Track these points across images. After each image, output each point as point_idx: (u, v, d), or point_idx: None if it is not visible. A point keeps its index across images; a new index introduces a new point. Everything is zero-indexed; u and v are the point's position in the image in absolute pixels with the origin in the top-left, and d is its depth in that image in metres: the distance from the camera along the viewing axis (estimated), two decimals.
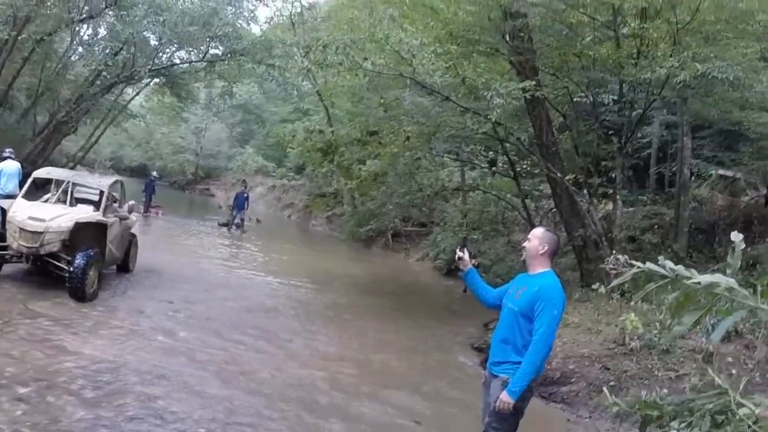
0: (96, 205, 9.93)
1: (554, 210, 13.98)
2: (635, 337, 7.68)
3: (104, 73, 22.38)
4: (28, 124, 24.36)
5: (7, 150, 12.45)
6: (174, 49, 24.67)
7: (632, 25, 10.01)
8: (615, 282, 2.54)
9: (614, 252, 5.19)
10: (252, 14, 24.69)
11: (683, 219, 12.65)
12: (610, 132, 12.54)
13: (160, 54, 24.22)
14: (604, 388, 5.71)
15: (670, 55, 9.46)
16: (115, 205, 10.66)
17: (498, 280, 10.48)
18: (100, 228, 9.44)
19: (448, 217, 20.10)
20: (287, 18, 29.93)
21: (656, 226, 13.84)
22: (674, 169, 15.63)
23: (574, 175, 11.78)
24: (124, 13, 20.46)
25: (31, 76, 23.70)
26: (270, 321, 9.74)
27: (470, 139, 15.64)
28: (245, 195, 22.53)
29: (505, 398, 3.94)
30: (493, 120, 11.41)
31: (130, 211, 10.93)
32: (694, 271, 2.26)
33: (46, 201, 9.93)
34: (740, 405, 1.96)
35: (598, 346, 8.09)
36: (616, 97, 12.00)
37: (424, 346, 9.83)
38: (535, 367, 3.98)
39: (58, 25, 20.22)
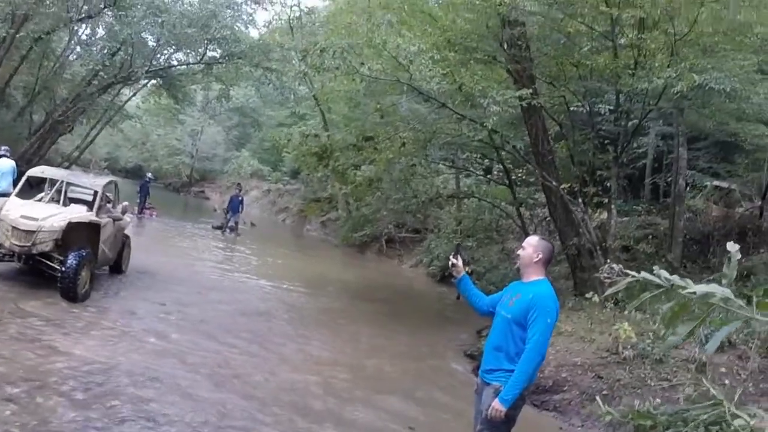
0: (89, 205, 9.87)
1: (549, 218, 13.99)
2: (628, 347, 7.67)
3: (101, 73, 22.26)
4: (24, 123, 24.25)
5: (2, 148, 12.42)
6: (172, 50, 24.59)
7: (630, 35, 10.04)
8: (610, 291, 2.54)
9: (609, 261, 5.19)
10: (251, 18, 24.59)
11: (678, 229, 12.67)
12: (605, 142, 12.56)
13: (158, 55, 24.13)
14: (597, 398, 5.70)
15: (668, 66, 9.48)
16: (109, 205, 10.60)
17: (491, 288, 10.51)
18: (93, 228, 9.39)
19: (443, 223, 20.09)
20: (286, 22, 29.94)
21: (651, 236, 13.86)
22: (669, 179, 15.68)
23: (569, 184, 11.78)
24: (123, 13, 20.38)
25: (28, 74, 23.62)
26: (263, 325, 9.70)
27: (466, 147, 15.67)
28: (240, 198, 22.52)
29: (497, 406, 3.92)
30: (489, 127, 11.43)
31: (123, 212, 10.89)
32: (689, 281, 2.26)
33: (39, 200, 9.89)
34: (735, 416, 1.95)
35: (591, 354, 8.08)
36: (612, 107, 12.01)
37: (417, 352, 9.80)
38: (528, 375, 3.96)
39: (56, 24, 20.14)
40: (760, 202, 13.55)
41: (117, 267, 10.99)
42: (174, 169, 47.95)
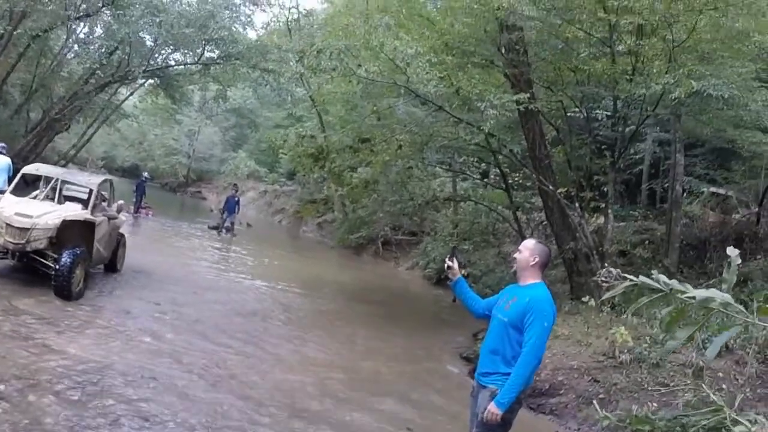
0: (85, 203, 9.84)
1: (545, 223, 14.00)
2: (625, 351, 7.67)
3: (99, 71, 22.26)
4: (21, 120, 24.23)
5: None
6: (169, 50, 24.57)
7: (628, 42, 10.04)
8: (608, 294, 2.53)
9: (607, 265, 5.17)
10: (249, 19, 24.59)
11: (675, 235, 12.68)
12: (603, 147, 12.57)
13: (156, 55, 24.11)
14: (594, 402, 5.68)
15: (666, 72, 9.49)
16: (104, 204, 10.57)
17: (487, 291, 10.50)
18: (87, 226, 9.35)
19: (439, 226, 20.10)
20: (284, 24, 29.92)
21: (647, 241, 13.86)
22: (666, 185, 15.69)
23: (566, 189, 11.78)
24: (121, 12, 20.37)
25: (25, 72, 23.59)
26: (259, 325, 9.67)
27: (463, 150, 15.67)
28: (236, 199, 22.45)
29: (494, 409, 3.91)
30: (486, 131, 11.43)
31: (119, 211, 10.84)
32: (688, 285, 2.25)
33: (34, 198, 9.84)
34: (736, 422, 1.93)
35: (587, 358, 8.08)
36: (609, 113, 12.05)
37: (412, 354, 9.79)
38: (525, 378, 3.95)
39: (54, 21, 20.11)
40: (757, 209, 13.57)
41: (112, 266, 10.95)
42: (171, 169, 47.92)
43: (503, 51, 11.41)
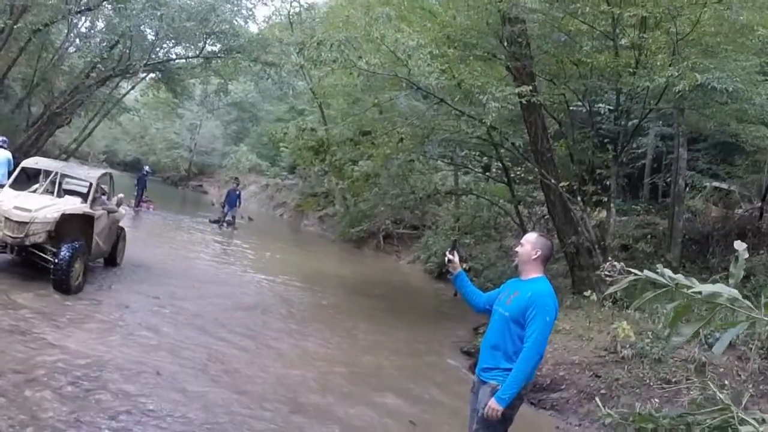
0: (84, 197, 9.79)
1: (547, 216, 13.94)
2: (627, 346, 7.62)
3: (100, 65, 22.21)
4: (22, 115, 24.17)
5: (0, 139, 12.33)
6: (171, 44, 24.53)
7: (631, 35, 9.96)
8: (612, 289, 2.47)
9: (610, 259, 5.12)
10: (250, 12, 24.53)
11: (677, 229, 12.61)
12: (605, 141, 12.52)
13: (157, 48, 24.07)
14: (596, 398, 5.64)
15: (670, 65, 9.42)
16: (104, 197, 10.52)
17: (489, 285, 10.46)
18: (87, 220, 9.31)
19: (440, 220, 20.06)
20: (285, 18, 29.84)
21: (649, 236, 13.81)
22: (668, 179, 15.64)
23: (568, 183, 11.71)
24: (122, 6, 20.30)
25: (26, 66, 23.53)
26: (259, 319, 9.63)
27: (465, 144, 15.61)
28: (237, 193, 22.46)
29: (494, 405, 3.86)
30: (488, 124, 11.36)
31: (118, 204, 10.80)
32: (694, 280, 2.19)
33: (34, 191, 9.80)
34: (743, 421, 1.88)
35: (589, 353, 8.03)
36: (612, 107, 11.97)
37: (413, 348, 9.75)
38: (526, 374, 3.90)
39: (55, 15, 20.03)
40: (759, 204, 13.51)
41: (112, 260, 10.93)
42: (172, 163, 47.97)
43: (505, 44, 11.32)
